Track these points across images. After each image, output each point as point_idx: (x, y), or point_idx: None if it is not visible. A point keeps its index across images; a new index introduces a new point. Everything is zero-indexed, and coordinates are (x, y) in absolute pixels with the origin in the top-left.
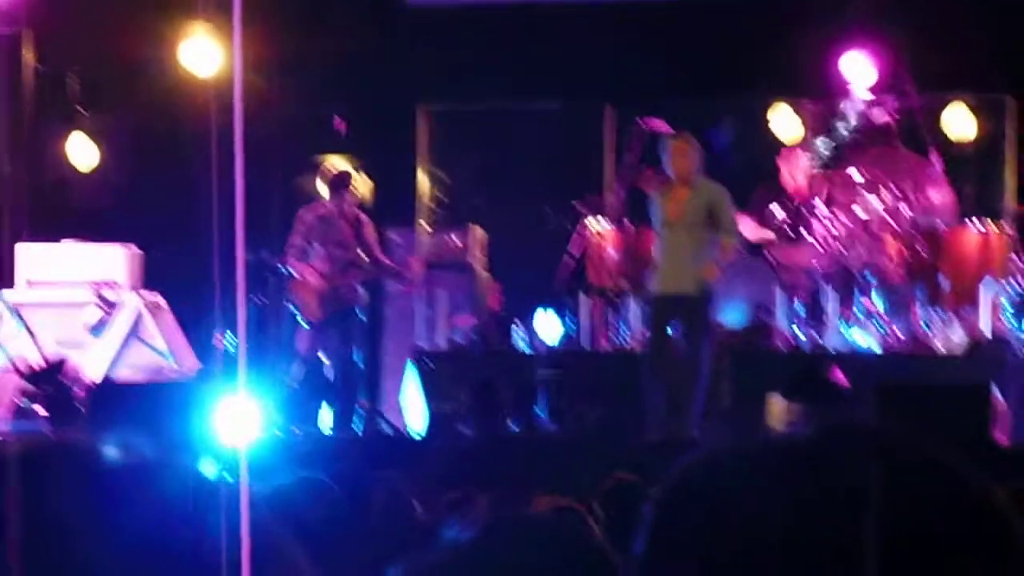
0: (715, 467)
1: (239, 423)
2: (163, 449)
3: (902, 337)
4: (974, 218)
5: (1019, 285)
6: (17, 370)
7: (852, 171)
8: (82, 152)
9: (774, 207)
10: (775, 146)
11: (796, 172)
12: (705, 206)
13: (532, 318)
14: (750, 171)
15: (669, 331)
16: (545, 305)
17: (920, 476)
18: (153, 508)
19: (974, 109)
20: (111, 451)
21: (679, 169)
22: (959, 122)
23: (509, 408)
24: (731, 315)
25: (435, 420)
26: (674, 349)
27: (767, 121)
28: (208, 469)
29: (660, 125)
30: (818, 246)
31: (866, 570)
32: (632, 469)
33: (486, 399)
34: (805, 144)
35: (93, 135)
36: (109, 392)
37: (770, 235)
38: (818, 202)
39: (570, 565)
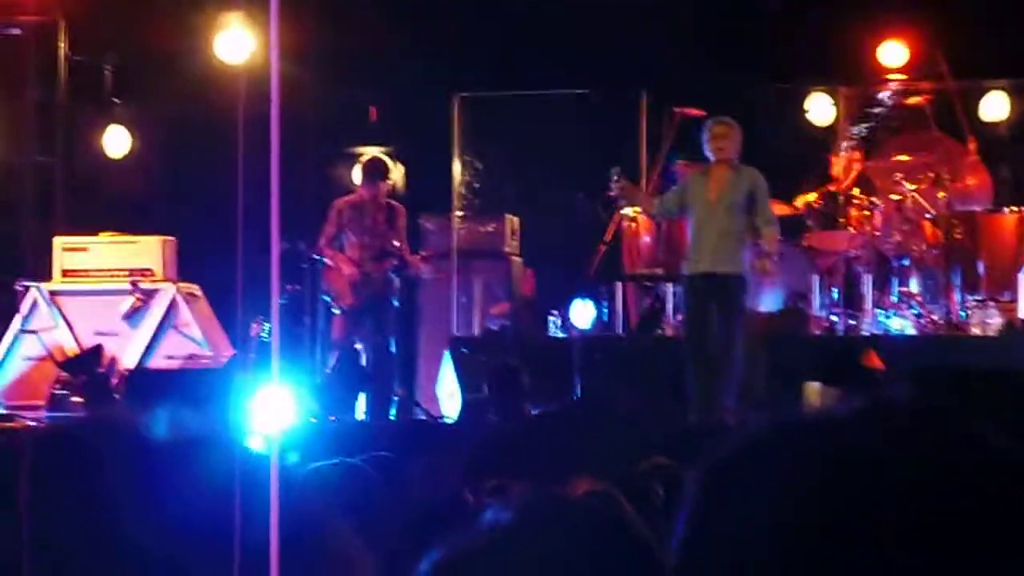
0: (754, 447)
1: (273, 410)
2: (205, 427)
3: (939, 322)
4: (1011, 202)
5: None
6: (54, 359)
7: (888, 156)
8: (117, 142)
9: (811, 195)
10: (812, 132)
11: (834, 158)
12: (747, 189)
13: (567, 305)
14: (788, 157)
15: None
16: (580, 293)
17: (959, 451)
18: (195, 484)
19: (1011, 93)
20: (153, 428)
21: (721, 151)
22: (995, 107)
23: (530, 393)
24: (767, 301)
25: (468, 407)
26: (712, 328)
27: (804, 108)
28: (255, 445)
29: (695, 112)
30: (854, 231)
31: (905, 545)
32: (668, 453)
33: (506, 384)
34: (842, 130)
35: (128, 125)
36: (145, 379)
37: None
38: (854, 188)
39: (607, 548)
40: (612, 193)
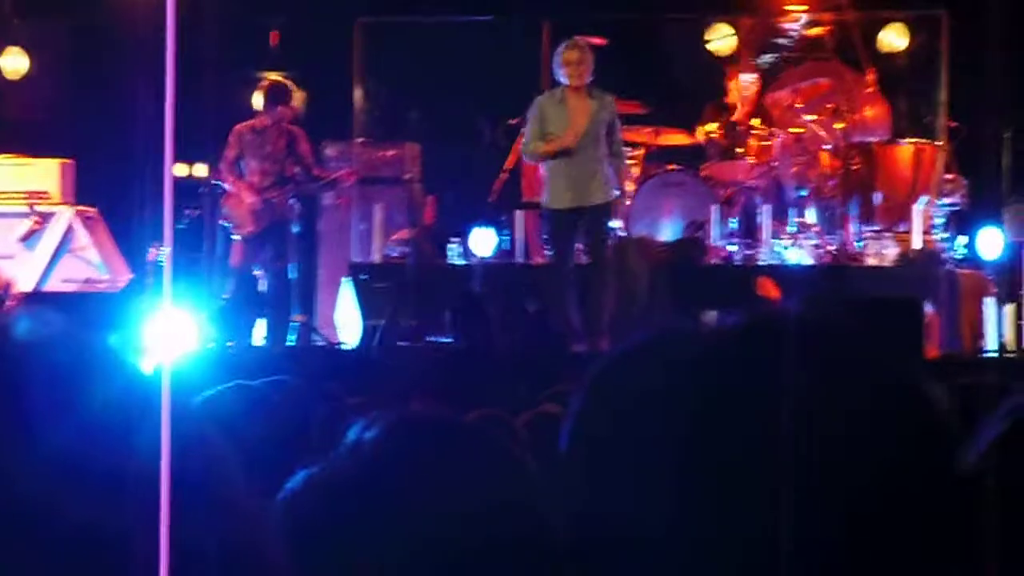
0: (636, 359)
1: (168, 335)
2: (93, 347)
3: (835, 252)
4: (908, 134)
5: (951, 200)
6: None
7: (788, 87)
8: (14, 63)
9: (711, 125)
10: (713, 63)
11: (734, 88)
12: (607, 118)
13: (467, 232)
14: (689, 87)
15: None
16: (480, 221)
17: (845, 362)
18: (70, 396)
19: (909, 25)
20: (22, 324)
21: (578, 76)
22: (894, 38)
23: (496, 319)
24: (666, 230)
25: (368, 334)
26: (572, 260)
27: (705, 38)
28: (148, 369)
29: (597, 41)
30: (752, 162)
31: (789, 454)
32: (567, 381)
33: (471, 312)
34: (742, 60)
35: (25, 46)
36: (41, 303)
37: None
38: (753, 118)
39: (473, 466)
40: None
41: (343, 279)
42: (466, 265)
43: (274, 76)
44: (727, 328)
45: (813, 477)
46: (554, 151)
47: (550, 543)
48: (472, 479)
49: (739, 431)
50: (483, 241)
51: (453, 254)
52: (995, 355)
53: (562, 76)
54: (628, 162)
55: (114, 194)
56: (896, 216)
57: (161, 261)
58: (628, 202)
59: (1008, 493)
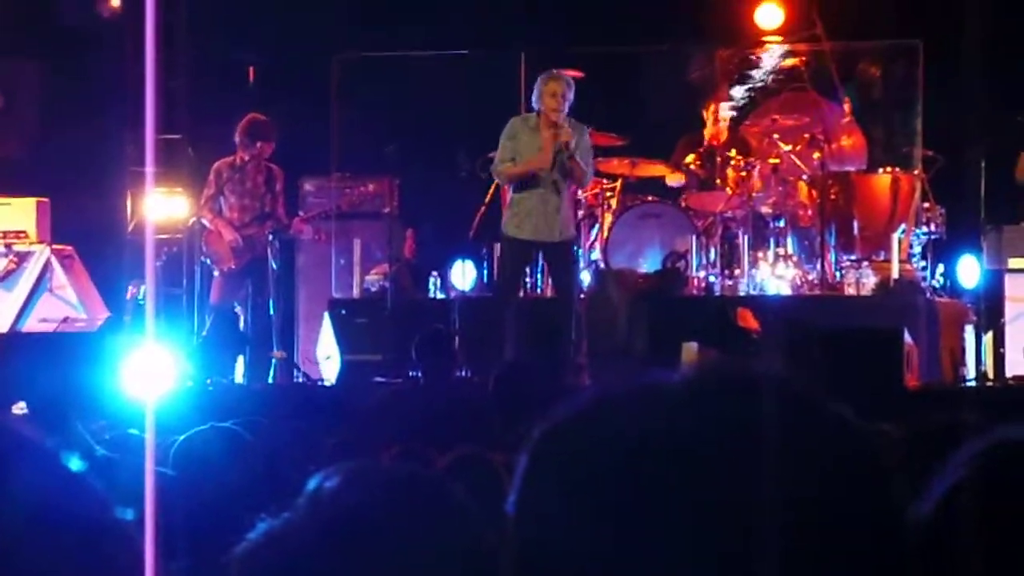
0: (585, 414)
1: (148, 374)
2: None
3: (814, 282)
4: (885, 163)
5: (929, 230)
6: None
7: (765, 118)
8: None
9: (689, 157)
10: (691, 95)
11: (711, 119)
12: (576, 148)
13: (447, 266)
14: (666, 119)
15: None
16: (460, 254)
17: (796, 423)
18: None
19: (886, 55)
20: None
21: (556, 111)
22: (870, 68)
23: (459, 355)
24: (646, 261)
25: (347, 369)
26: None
27: (685, 69)
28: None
29: (574, 74)
30: (731, 192)
31: (729, 511)
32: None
33: (436, 350)
34: (719, 91)
35: None
36: (17, 343)
37: (682, 180)
38: (731, 149)
39: (423, 519)
40: None
41: (323, 314)
42: (446, 299)
43: (256, 113)
44: (670, 389)
45: (763, 541)
46: (523, 172)
47: None
48: (426, 534)
49: (685, 496)
50: (463, 275)
51: (433, 288)
52: (975, 385)
53: (540, 105)
54: (607, 194)
55: (88, 233)
56: (874, 245)
57: (140, 299)
58: (607, 234)
59: (964, 539)
